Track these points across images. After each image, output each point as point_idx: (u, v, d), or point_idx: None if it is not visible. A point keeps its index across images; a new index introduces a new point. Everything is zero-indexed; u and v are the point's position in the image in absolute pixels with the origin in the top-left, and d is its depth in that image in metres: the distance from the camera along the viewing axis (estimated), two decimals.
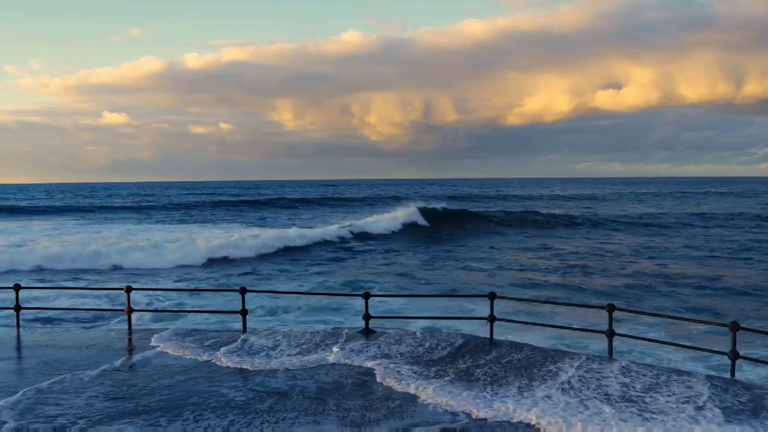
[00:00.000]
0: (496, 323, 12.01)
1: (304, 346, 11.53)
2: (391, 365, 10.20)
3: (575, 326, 15.01)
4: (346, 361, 10.63)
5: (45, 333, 13.41)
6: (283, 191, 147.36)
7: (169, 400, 8.69)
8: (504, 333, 13.92)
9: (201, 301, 21.08)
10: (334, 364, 10.54)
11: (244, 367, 10.46)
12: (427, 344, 11.49)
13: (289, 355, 11.08)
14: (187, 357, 11.05)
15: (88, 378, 9.73)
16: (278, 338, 12.16)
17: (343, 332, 12.51)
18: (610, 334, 10.79)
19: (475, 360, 10.50)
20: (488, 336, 11.94)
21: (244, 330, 12.85)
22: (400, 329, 13.00)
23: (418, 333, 12.53)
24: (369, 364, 10.39)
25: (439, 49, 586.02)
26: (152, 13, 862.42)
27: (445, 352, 11.04)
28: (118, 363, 10.65)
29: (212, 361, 10.82)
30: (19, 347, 12.11)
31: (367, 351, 11.12)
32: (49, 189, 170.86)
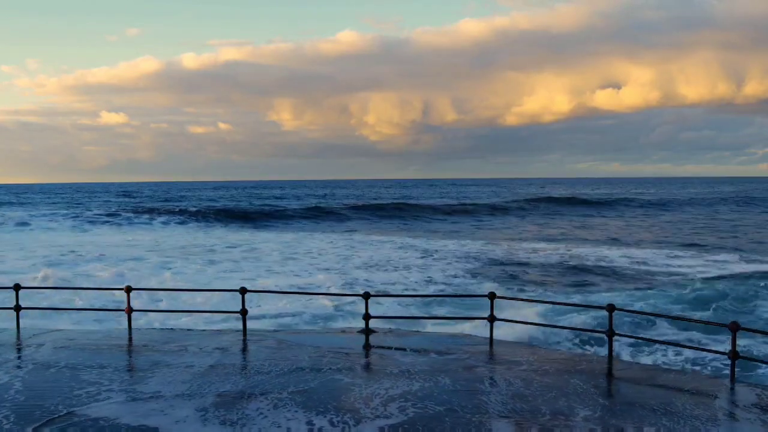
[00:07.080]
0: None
1: None
2: None
3: (576, 326, 15.08)
4: None
5: None
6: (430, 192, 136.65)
7: None
8: None
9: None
10: None
11: None
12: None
13: None
14: None
15: None
16: None
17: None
18: (610, 334, 10.79)
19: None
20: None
21: (244, 331, 12.80)
22: (399, 329, 13.01)
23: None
24: None
25: (437, 49, 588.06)
26: (149, 13, 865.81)
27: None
28: None
29: None
30: None
31: None
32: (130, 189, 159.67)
